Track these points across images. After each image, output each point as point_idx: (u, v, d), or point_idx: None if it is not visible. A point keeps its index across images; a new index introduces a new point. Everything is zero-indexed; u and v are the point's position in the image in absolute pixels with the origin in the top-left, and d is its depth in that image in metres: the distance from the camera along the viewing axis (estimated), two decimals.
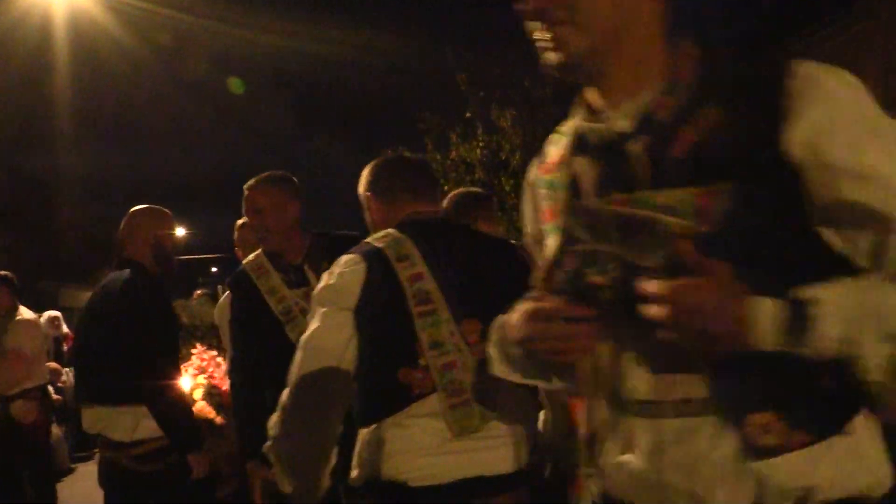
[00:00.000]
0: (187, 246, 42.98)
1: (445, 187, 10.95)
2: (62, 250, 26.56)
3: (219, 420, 3.76)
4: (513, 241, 2.24)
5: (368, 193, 2.00)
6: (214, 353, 3.92)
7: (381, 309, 1.73)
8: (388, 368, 1.73)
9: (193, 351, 3.94)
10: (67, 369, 8.52)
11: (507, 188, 9.60)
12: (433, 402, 1.71)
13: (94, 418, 2.93)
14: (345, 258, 1.80)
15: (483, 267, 1.89)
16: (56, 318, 8.27)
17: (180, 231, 40.58)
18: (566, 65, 1.00)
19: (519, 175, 9.89)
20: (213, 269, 63.31)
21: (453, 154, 10.36)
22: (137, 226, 3.06)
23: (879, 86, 10.34)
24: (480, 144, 9.93)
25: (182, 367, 3.94)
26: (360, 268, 1.75)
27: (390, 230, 1.86)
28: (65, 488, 7.23)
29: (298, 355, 1.72)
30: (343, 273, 1.75)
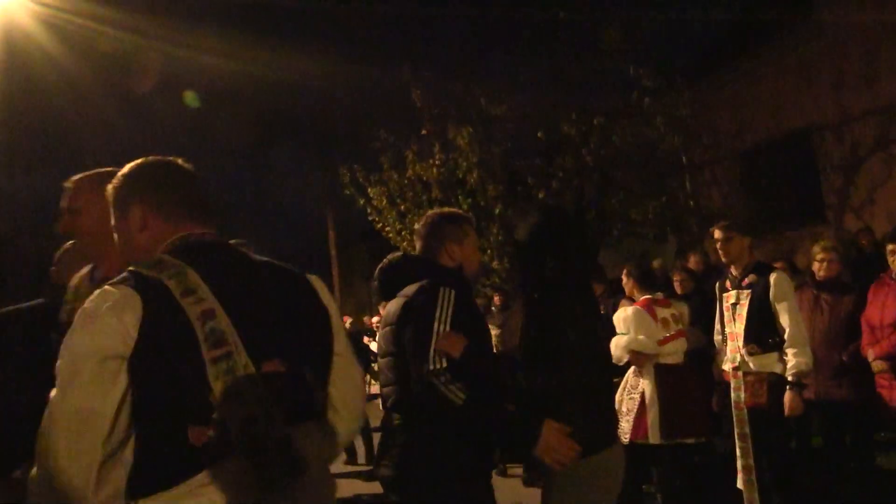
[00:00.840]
0: None
1: (402, 207, 10.74)
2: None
3: None
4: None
5: (137, 204, 1.64)
6: None
7: (165, 355, 1.41)
8: (174, 427, 1.41)
9: None
10: None
11: (465, 207, 9.40)
12: (231, 466, 1.41)
13: None
14: (107, 291, 1.44)
15: (275, 299, 1.62)
16: None
17: None
18: None
19: (476, 194, 9.72)
20: None
21: (409, 172, 10.14)
22: None
23: (830, 102, 10.47)
24: (437, 163, 9.73)
25: None
26: (134, 303, 1.42)
27: (163, 256, 1.54)
28: None
29: (51, 426, 1.39)
30: (110, 312, 1.41)
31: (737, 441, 4.09)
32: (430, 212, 2.91)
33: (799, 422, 5.89)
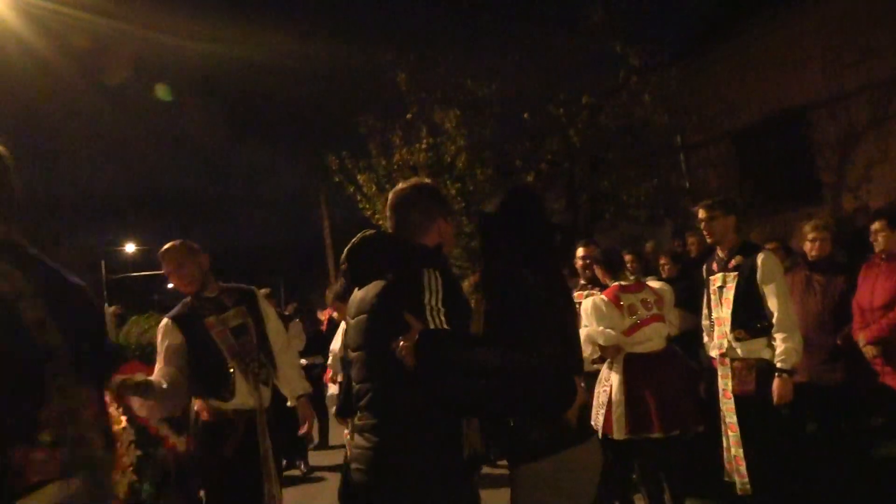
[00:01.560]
0: (137, 263, 41.85)
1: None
2: None
3: None
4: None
5: None
6: None
7: None
8: None
9: None
10: None
11: (454, 192, 9.21)
12: (53, 490, 1.27)
13: None
14: None
15: (78, 309, 1.48)
16: None
17: (130, 247, 39.14)
18: None
19: (465, 179, 9.51)
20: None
21: (397, 157, 9.93)
22: None
23: (823, 79, 10.25)
24: (424, 147, 9.52)
25: None
26: None
27: None
28: None
29: None
30: None
31: (723, 430, 3.93)
32: (407, 183, 2.53)
33: (792, 408, 5.75)
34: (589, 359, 4.39)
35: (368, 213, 11.12)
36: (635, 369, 4.28)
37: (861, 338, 4.34)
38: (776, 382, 3.73)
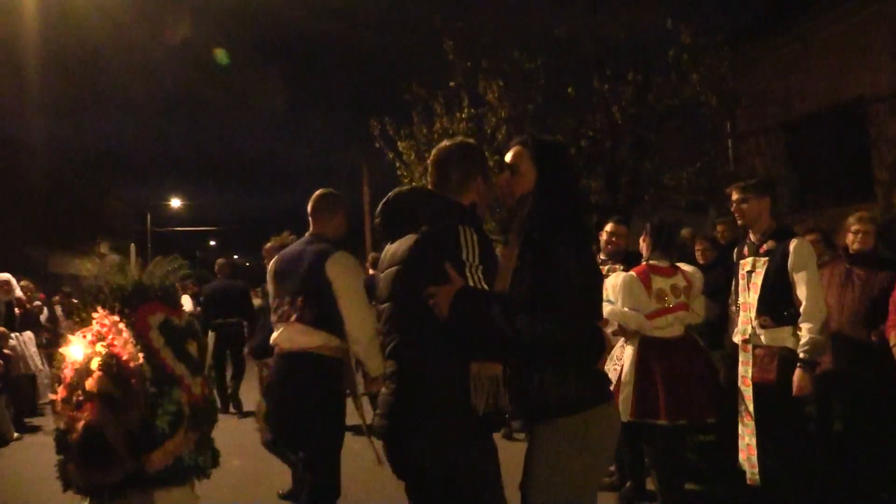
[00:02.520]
0: (182, 218, 42.72)
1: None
2: (49, 217, 26.18)
3: (117, 393, 3.33)
4: None
5: None
6: (116, 318, 3.47)
7: None
8: None
9: (95, 315, 3.49)
10: (16, 334, 8.13)
11: (491, 164, 9.10)
12: None
13: None
14: None
15: None
16: (5, 282, 7.84)
17: (175, 203, 39.95)
18: None
19: (504, 151, 9.38)
20: (212, 243, 62.99)
21: (437, 125, 9.85)
22: None
23: (886, 72, 9.83)
24: (465, 116, 9.41)
25: (81, 332, 3.51)
26: None
27: None
28: (5, 457, 6.87)
29: None
30: None
31: (740, 418, 3.83)
32: (451, 141, 2.58)
33: (820, 404, 5.59)
34: (608, 330, 4.33)
35: (406, 180, 11.08)
36: (650, 352, 4.21)
37: (892, 336, 4.16)
38: (797, 373, 3.61)
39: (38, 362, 8.62)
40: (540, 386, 2.28)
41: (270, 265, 3.94)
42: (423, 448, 2.25)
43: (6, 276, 7.94)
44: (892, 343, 4.15)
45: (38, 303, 9.90)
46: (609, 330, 4.40)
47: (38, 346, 8.80)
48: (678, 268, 4.44)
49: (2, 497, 5.33)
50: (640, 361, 4.20)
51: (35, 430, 8.22)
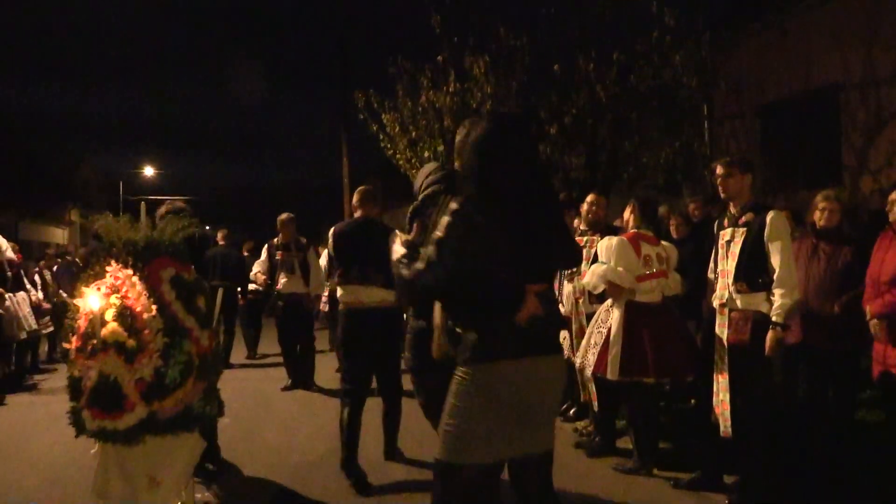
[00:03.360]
0: (155, 187, 42.20)
1: (414, 134, 10.63)
2: (20, 185, 25.82)
3: (130, 343, 3.50)
4: None
5: None
6: (129, 272, 3.62)
7: None
8: None
9: (108, 269, 3.64)
10: (9, 295, 8.17)
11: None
12: None
13: None
14: None
15: None
16: None
17: (149, 171, 39.51)
18: None
19: None
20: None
21: (423, 99, 9.99)
22: None
23: (859, 61, 10.16)
24: (451, 90, 9.57)
25: (95, 285, 3.66)
26: None
27: None
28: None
29: None
30: None
31: (715, 376, 4.11)
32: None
33: (786, 369, 5.95)
34: (595, 292, 4.61)
35: (390, 152, 11.23)
36: (635, 315, 4.49)
37: (867, 310, 4.38)
38: (769, 335, 3.89)
39: (32, 322, 8.68)
40: (449, 335, 2.45)
41: (333, 238, 4.86)
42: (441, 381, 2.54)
43: None
44: (868, 316, 4.36)
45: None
46: (597, 291, 4.67)
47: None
48: (660, 240, 4.72)
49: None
50: (627, 323, 4.48)
51: (32, 388, 8.40)
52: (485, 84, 9.27)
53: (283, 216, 7.96)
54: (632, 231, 4.70)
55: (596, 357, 4.56)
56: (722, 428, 4.05)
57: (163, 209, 4.88)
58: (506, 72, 9.37)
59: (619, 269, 4.49)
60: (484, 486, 2.35)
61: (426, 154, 10.17)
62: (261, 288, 8.45)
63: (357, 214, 4.96)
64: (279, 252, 7.91)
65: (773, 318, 3.89)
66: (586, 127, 9.33)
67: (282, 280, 7.82)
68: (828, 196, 4.95)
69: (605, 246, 4.60)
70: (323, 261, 8.29)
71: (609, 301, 4.66)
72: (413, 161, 10.56)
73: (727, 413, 4.03)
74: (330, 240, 4.91)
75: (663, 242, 4.82)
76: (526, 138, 2.55)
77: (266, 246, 8.26)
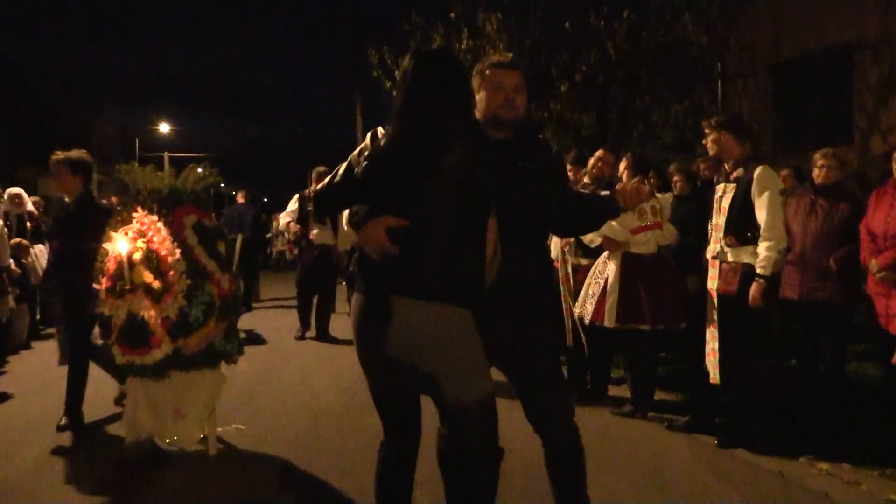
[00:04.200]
0: (171, 144, 42.40)
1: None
2: (40, 140, 26.10)
3: (156, 284, 3.75)
4: None
5: None
6: (155, 217, 3.86)
7: None
8: None
9: (135, 215, 3.88)
10: (38, 246, 8.47)
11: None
12: None
13: None
14: None
15: None
16: (17, 195, 8.13)
17: (164, 127, 39.62)
18: None
19: None
20: (199, 171, 62.22)
21: None
22: None
23: (874, 19, 10.09)
24: (464, 47, 9.62)
25: (123, 230, 3.90)
26: None
27: None
28: (20, 362, 7.31)
29: None
30: None
31: (707, 324, 4.31)
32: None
33: (781, 321, 6.17)
34: (592, 246, 4.81)
35: None
36: (632, 265, 4.70)
37: (874, 264, 4.47)
38: (753, 286, 4.08)
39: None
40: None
41: None
42: None
43: (18, 190, 8.22)
44: (874, 270, 4.46)
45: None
46: (594, 245, 4.87)
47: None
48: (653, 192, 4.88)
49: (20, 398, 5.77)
50: (623, 274, 4.69)
51: (45, 338, 8.72)
52: (497, 41, 9.31)
53: (320, 168, 7.93)
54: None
55: (594, 306, 4.77)
56: (712, 375, 4.26)
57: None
58: (518, 29, 9.40)
59: (613, 223, 4.67)
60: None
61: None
62: (292, 238, 8.54)
63: None
64: (311, 203, 8.09)
65: (758, 271, 4.06)
66: (597, 85, 9.39)
67: (314, 231, 8.02)
68: (825, 154, 5.06)
69: None
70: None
71: (606, 253, 4.86)
72: None
73: (716, 361, 4.23)
74: None
75: (657, 194, 4.97)
76: (441, 75, 2.37)
77: (297, 196, 8.40)
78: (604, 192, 3.02)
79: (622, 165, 5.02)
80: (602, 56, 8.92)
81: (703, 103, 9.63)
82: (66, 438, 4.55)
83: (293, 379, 6.29)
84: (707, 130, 4.33)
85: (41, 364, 6.92)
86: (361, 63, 17.02)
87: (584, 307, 4.89)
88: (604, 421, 4.79)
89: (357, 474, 3.76)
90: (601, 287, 4.78)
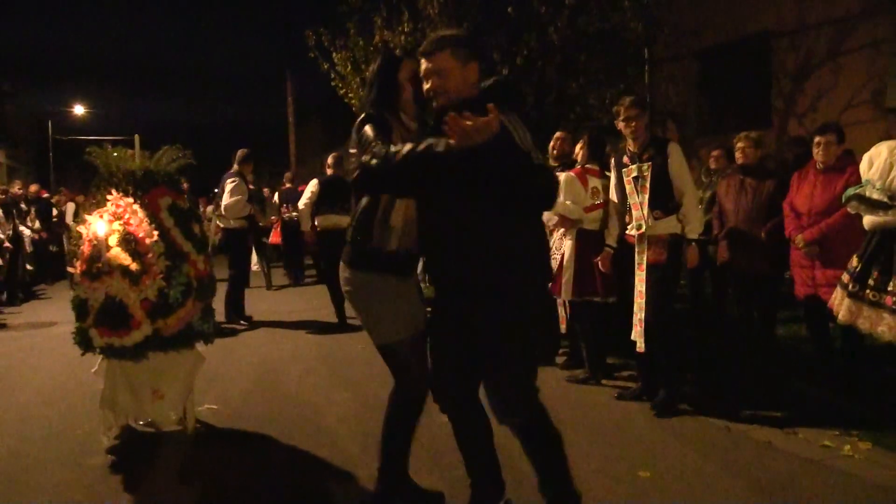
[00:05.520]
0: (85, 127, 40.64)
1: (368, 73, 10.74)
2: None
3: (134, 266, 3.78)
4: None
5: None
6: (130, 200, 3.87)
7: None
8: None
9: (109, 197, 3.88)
10: None
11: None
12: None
13: None
14: None
15: None
16: None
17: (79, 110, 37.93)
18: None
19: None
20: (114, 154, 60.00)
21: (377, 38, 10.12)
22: None
23: (789, 9, 10.73)
24: (405, 30, 9.72)
25: (97, 212, 3.90)
26: None
27: None
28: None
29: None
30: None
31: (636, 298, 4.60)
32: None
33: (715, 289, 6.64)
34: (548, 224, 5.08)
35: (342, 91, 11.35)
36: (586, 242, 4.99)
37: (799, 239, 4.89)
38: (689, 250, 4.51)
39: None
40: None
41: None
42: None
43: None
44: (800, 244, 4.88)
45: None
46: (551, 224, 5.13)
47: None
48: (604, 172, 5.18)
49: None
50: (578, 250, 4.98)
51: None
52: (438, 24, 9.44)
53: (337, 154, 8.18)
54: (578, 167, 5.16)
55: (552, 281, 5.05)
56: (638, 345, 4.57)
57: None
58: (458, 13, 9.56)
59: (568, 202, 4.95)
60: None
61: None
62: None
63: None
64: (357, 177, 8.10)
65: (690, 236, 4.47)
66: (535, 68, 9.66)
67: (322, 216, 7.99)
68: (740, 138, 5.61)
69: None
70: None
71: (561, 230, 5.14)
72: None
73: (642, 331, 4.54)
74: None
75: (607, 173, 5.27)
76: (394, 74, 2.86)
77: (316, 181, 8.33)
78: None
79: (578, 146, 5.30)
80: (542, 40, 9.18)
81: (634, 89, 10.04)
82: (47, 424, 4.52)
83: (253, 359, 6.35)
84: (628, 111, 4.58)
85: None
86: (292, 46, 16.81)
87: None
88: (561, 388, 5.09)
89: (338, 447, 3.92)
90: (557, 263, 5.06)
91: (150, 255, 3.78)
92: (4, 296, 10.85)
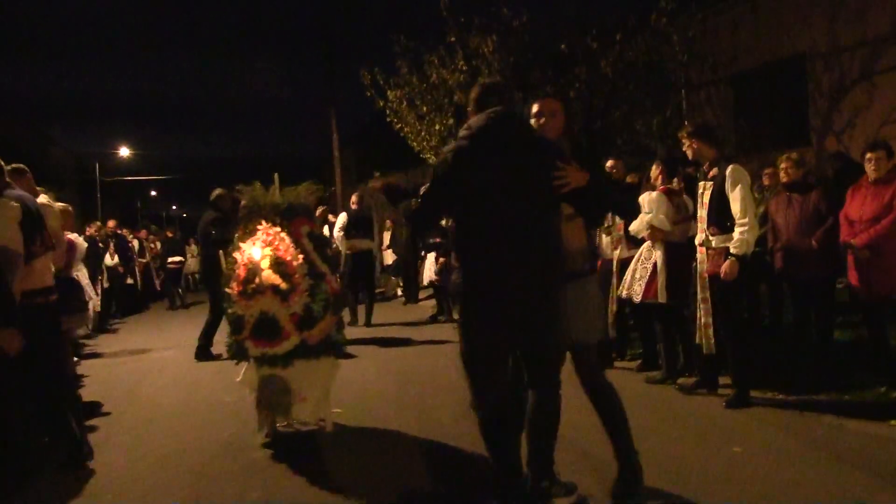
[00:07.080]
0: (127, 168, 42.01)
1: (424, 109, 11.53)
2: None
3: (283, 285, 4.43)
4: None
5: None
6: (278, 228, 4.54)
7: None
8: None
9: (259, 227, 4.55)
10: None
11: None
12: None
13: None
14: None
15: None
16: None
17: (124, 151, 39.26)
18: None
19: None
20: (153, 193, 61.61)
21: (434, 77, 10.88)
22: None
23: (823, 32, 11.28)
24: (462, 68, 10.46)
25: (250, 240, 4.58)
26: None
27: None
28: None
29: None
30: None
31: (699, 304, 5.14)
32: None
33: (772, 297, 7.13)
34: (638, 235, 5.68)
35: (398, 126, 12.13)
36: (674, 252, 5.57)
37: (853, 243, 5.30)
38: (726, 263, 4.83)
39: (92, 293, 9.47)
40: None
41: None
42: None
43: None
44: (855, 248, 5.28)
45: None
46: (640, 236, 5.72)
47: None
48: (683, 191, 5.78)
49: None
50: (668, 259, 5.55)
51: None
52: (492, 61, 10.18)
53: (359, 192, 10.63)
54: (662, 187, 5.76)
55: (643, 287, 5.63)
56: (705, 347, 5.09)
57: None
58: (510, 50, 10.29)
59: (661, 216, 5.55)
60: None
61: (436, 127, 11.09)
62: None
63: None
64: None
65: (732, 250, 4.84)
66: (583, 98, 10.33)
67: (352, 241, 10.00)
68: (782, 159, 6.15)
69: (647, 199, 5.63)
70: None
71: (648, 242, 5.72)
72: (423, 133, 11.51)
73: (710, 333, 5.06)
74: None
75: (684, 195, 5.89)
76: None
77: (344, 214, 10.26)
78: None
79: (654, 170, 5.89)
80: (596, 73, 9.86)
81: (673, 113, 10.67)
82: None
83: (357, 366, 6.89)
84: (683, 139, 5.12)
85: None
86: (336, 83, 17.70)
87: (633, 288, 5.75)
88: (641, 387, 5.63)
89: (452, 441, 4.50)
90: (649, 270, 5.65)
91: (297, 276, 4.44)
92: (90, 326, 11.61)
